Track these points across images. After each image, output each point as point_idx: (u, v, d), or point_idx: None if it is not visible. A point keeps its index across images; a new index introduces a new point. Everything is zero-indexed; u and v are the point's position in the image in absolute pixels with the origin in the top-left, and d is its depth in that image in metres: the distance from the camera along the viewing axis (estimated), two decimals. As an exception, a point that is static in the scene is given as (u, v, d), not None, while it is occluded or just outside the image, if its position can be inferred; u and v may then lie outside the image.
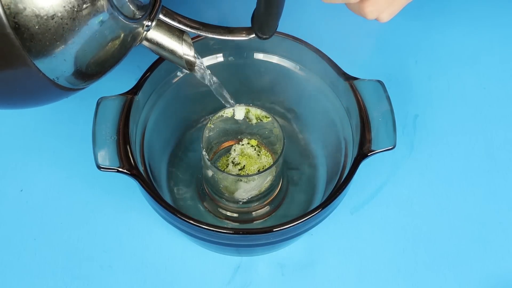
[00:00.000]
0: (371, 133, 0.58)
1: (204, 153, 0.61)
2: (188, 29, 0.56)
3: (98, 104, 0.59)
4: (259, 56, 0.66)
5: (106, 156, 0.57)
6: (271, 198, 0.65)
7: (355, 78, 0.61)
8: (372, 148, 0.58)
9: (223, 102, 0.62)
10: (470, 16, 0.80)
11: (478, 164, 0.70)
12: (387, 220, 0.66)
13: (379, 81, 0.61)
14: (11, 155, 0.69)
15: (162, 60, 0.62)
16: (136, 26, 0.51)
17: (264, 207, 0.65)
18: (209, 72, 0.59)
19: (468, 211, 0.67)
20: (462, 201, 0.68)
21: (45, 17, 0.44)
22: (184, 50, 0.56)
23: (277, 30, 0.64)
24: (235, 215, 0.65)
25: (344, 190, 0.57)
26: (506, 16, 0.80)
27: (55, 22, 0.44)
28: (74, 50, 0.46)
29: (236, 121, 0.65)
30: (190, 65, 0.57)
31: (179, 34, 0.55)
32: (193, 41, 0.57)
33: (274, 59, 0.66)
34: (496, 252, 0.65)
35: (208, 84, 0.60)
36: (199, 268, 0.64)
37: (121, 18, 0.48)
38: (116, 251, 0.64)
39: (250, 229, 0.59)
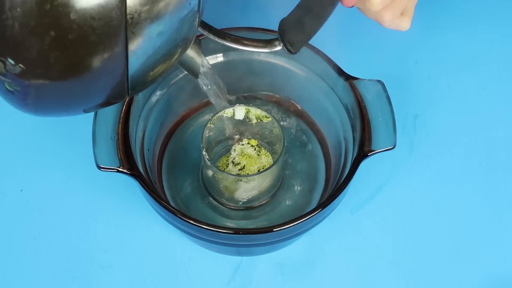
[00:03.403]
0: (371, 133, 0.58)
1: (204, 153, 0.61)
2: (214, 37, 0.55)
3: (98, 104, 0.59)
4: (259, 56, 0.66)
5: (106, 156, 0.57)
6: (271, 198, 0.65)
7: (355, 78, 0.61)
8: (372, 148, 0.58)
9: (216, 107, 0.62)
10: (470, 16, 0.80)
11: (478, 164, 0.70)
12: (387, 220, 0.66)
13: (379, 81, 0.61)
14: (11, 155, 0.69)
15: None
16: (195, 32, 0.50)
17: (264, 206, 0.65)
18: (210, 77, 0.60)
19: (468, 211, 0.67)
20: (462, 201, 0.68)
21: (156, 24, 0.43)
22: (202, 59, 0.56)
23: (277, 30, 0.64)
24: (235, 214, 0.65)
25: (344, 190, 0.57)
26: (506, 16, 0.80)
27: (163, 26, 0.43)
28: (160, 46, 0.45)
29: (237, 121, 0.65)
30: (197, 72, 0.57)
31: (199, 42, 0.55)
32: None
33: (274, 59, 0.66)
34: (496, 252, 0.65)
35: (206, 90, 0.60)
36: (199, 268, 0.64)
37: (197, 19, 0.47)
38: (116, 251, 0.64)
39: (250, 229, 0.59)
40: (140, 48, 0.44)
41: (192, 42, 0.52)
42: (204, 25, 0.56)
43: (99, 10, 0.40)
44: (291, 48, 0.55)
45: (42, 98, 0.45)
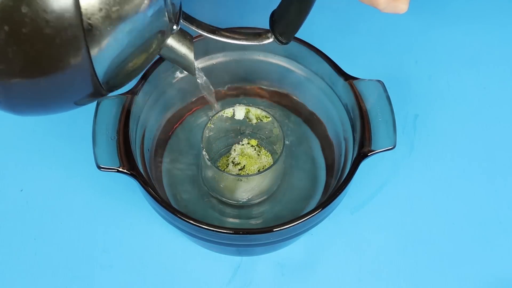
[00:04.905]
0: (371, 133, 0.58)
1: (204, 153, 0.61)
2: (205, 33, 0.55)
3: (98, 104, 0.59)
4: (259, 56, 0.66)
5: (106, 156, 0.57)
6: (271, 198, 0.65)
7: (355, 78, 0.61)
8: (372, 148, 0.58)
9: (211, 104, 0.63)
10: (470, 16, 0.80)
11: (478, 164, 0.70)
12: (387, 220, 0.66)
13: (379, 81, 0.61)
14: (11, 155, 0.69)
15: (162, 60, 0.62)
16: (170, 27, 0.50)
17: (264, 206, 0.65)
18: (203, 75, 0.60)
19: (468, 211, 0.67)
20: (462, 201, 0.68)
21: (114, 12, 0.43)
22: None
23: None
24: (235, 214, 0.65)
25: (344, 190, 0.57)
26: (506, 16, 0.81)
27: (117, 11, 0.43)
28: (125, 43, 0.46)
29: (237, 121, 0.65)
30: (193, 69, 0.57)
31: (190, 38, 0.55)
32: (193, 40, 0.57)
33: (274, 59, 0.66)
34: (496, 252, 0.65)
35: (201, 87, 0.60)
36: (199, 268, 0.64)
37: (166, 15, 0.47)
38: (116, 251, 0.64)
39: (250, 229, 0.59)
40: (100, 40, 0.44)
41: (179, 37, 0.52)
42: (192, 20, 0.55)
43: (50, 2, 0.40)
44: (282, 39, 0.54)
45: (12, 95, 0.45)
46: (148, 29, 0.47)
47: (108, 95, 0.59)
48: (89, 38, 0.43)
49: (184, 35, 0.54)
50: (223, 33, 0.56)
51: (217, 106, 0.63)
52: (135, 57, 0.48)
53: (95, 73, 0.45)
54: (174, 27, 0.52)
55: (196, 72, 0.58)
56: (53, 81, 0.44)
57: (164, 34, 0.50)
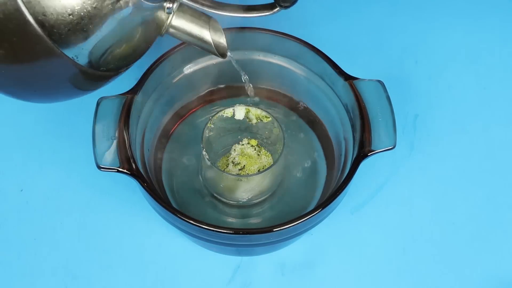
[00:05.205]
0: (371, 133, 0.58)
1: (204, 153, 0.61)
2: (207, 9, 0.54)
3: (98, 104, 0.59)
4: (259, 56, 0.66)
5: (106, 156, 0.56)
6: (271, 198, 0.65)
7: (355, 78, 0.61)
8: (372, 148, 0.58)
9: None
10: (470, 16, 0.80)
11: (478, 164, 0.70)
12: (387, 220, 0.66)
13: (379, 81, 0.61)
14: (11, 155, 0.69)
15: (162, 60, 0.62)
16: (156, 8, 0.50)
17: (264, 206, 0.65)
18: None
19: (468, 211, 0.67)
20: (462, 201, 0.68)
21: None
22: (213, 35, 0.55)
23: (277, 30, 0.64)
24: (235, 214, 0.65)
25: (344, 190, 0.57)
26: (506, 16, 0.81)
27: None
28: (97, 32, 0.45)
29: (237, 121, 0.65)
30: (223, 51, 0.56)
31: (205, 19, 0.54)
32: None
33: (274, 59, 0.66)
34: (496, 252, 0.65)
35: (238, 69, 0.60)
36: (199, 268, 0.64)
37: None
38: (116, 251, 0.64)
39: (250, 229, 0.59)
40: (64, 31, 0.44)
41: (190, 18, 0.52)
42: None
43: None
44: (283, 3, 0.54)
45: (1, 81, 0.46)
46: (123, 5, 0.46)
47: (109, 96, 0.59)
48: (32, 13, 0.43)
49: (197, 17, 0.53)
50: (226, 8, 0.55)
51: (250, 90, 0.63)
52: (118, 36, 0.47)
53: (63, 53, 0.45)
54: (169, 5, 0.51)
55: (227, 54, 0.57)
56: (26, 65, 0.45)
57: (154, 13, 0.49)
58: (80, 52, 0.46)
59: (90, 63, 0.47)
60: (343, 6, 0.81)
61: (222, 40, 0.55)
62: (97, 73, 0.48)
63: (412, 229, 0.66)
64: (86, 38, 0.45)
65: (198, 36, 0.54)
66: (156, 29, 0.51)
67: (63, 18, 0.43)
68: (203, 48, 0.56)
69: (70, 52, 0.45)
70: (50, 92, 0.50)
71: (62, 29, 0.44)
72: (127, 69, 0.52)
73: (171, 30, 0.53)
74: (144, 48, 0.52)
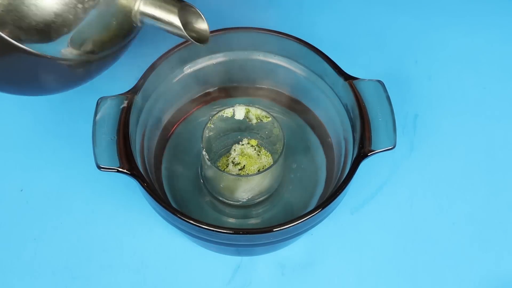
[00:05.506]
0: (371, 133, 0.58)
1: (204, 153, 0.61)
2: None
3: (98, 104, 0.59)
4: (259, 56, 0.66)
5: (106, 156, 0.57)
6: (271, 198, 0.65)
7: (355, 78, 0.61)
8: (372, 148, 0.58)
9: None
10: (470, 16, 0.80)
11: (478, 164, 0.70)
12: (387, 220, 0.66)
13: (379, 81, 0.61)
14: (11, 155, 0.69)
15: (162, 60, 0.62)
16: None
17: (264, 206, 0.65)
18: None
19: (468, 211, 0.67)
20: (462, 201, 0.68)
21: None
22: (189, 20, 0.52)
23: (277, 30, 0.64)
24: (235, 214, 0.65)
25: (344, 190, 0.57)
26: (506, 16, 0.81)
27: None
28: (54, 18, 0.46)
29: (237, 121, 0.65)
30: (203, 38, 0.53)
31: (175, 3, 0.52)
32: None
33: (274, 59, 0.66)
34: (496, 252, 0.65)
35: None
36: (199, 268, 0.64)
37: None
38: (116, 251, 0.64)
39: (250, 229, 0.59)
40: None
41: (159, 3, 0.51)
42: None
43: None
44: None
45: None
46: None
47: (108, 96, 0.59)
48: None
49: (166, 1, 0.52)
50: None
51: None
52: (85, 22, 0.47)
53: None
54: None
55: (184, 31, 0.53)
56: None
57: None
58: (52, 44, 0.47)
59: (60, 52, 0.48)
60: (343, 6, 0.81)
61: (201, 25, 0.53)
62: (72, 60, 0.48)
63: (412, 229, 0.66)
64: (56, 28, 0.46)
65: (167, 21, 0.52)
66: (127, 15, 0.50)
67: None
68: (179, 35, 0.53)
69: (37, 48, 0.46)
70: (35, 85, 0.50)
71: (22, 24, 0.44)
72: (112, 55, 0.51)
73: (141, 17, 0.52)
74: (119, 33, 0.50)
